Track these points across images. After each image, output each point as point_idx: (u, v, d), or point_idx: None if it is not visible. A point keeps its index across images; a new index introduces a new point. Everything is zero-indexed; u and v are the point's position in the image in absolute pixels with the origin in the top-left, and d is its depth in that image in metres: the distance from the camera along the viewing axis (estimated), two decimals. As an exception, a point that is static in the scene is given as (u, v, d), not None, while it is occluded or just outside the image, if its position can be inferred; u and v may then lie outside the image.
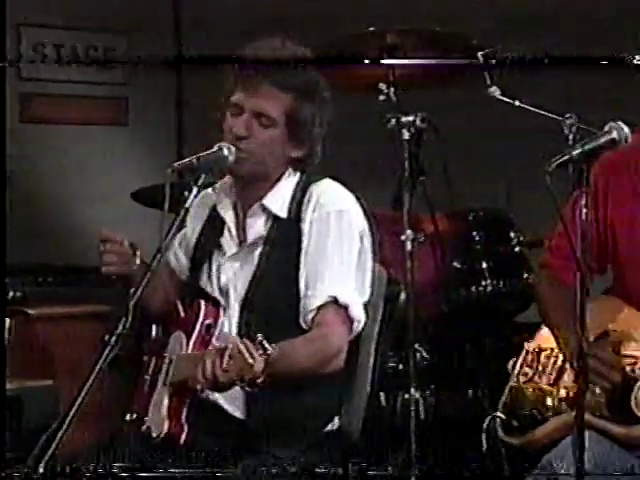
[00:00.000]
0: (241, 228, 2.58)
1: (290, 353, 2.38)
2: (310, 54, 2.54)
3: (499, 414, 2.46)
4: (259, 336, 2.24)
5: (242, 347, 2.21)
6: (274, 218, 2.54)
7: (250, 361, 2.19)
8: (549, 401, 2.46)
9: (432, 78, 3.52)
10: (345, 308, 2.48)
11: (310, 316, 2.48)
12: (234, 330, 2.52)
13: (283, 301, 2.50)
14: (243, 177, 2.55)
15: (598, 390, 2.36)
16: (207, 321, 2.51)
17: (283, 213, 2.53)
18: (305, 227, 2.50)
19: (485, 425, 2.48)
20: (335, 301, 2.47)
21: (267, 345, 2.22)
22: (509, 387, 2.54)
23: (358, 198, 2.58)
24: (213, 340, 2.51)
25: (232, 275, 2.56)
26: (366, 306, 2.55)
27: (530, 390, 2.50)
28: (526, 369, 2.53)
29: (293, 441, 2.44)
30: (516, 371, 2.55)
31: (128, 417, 2.49)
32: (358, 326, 2.51)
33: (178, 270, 2.69)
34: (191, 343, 2.50)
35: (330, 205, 2.51)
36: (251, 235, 2.55)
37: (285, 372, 2.35)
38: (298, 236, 2.50)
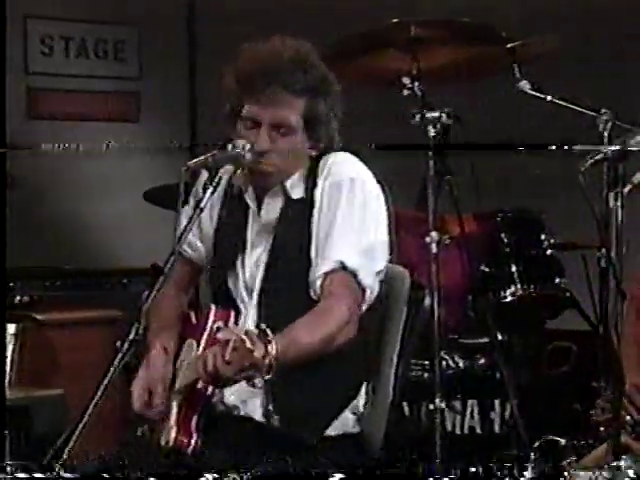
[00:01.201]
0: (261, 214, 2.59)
1: (294, 337, 2.37)
2: (314, 49, 2.53)
3: (558, 439, 2.44)
4: (262, 325, 2.25)
5: (244, 336, 2.21)
6: (288, 199, 2.56)
7: (249, 346, 2.18)
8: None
9: (459, 71, 3.52)
10: (354, 275, 2.47)
11: (318, 284, 2.47)
12: (251, 320, 2.53)
13: (299, 282, 2.50)
14: (261, 176, 2.56)
15: None
16: (217, 324, 2.51)
17: (299, 192, 2.55)
18: (317, 196, 2.52)
19: (537, 444, 2.46)
20: (343, 266, 2.46)
21: (269, 331, 2.22)
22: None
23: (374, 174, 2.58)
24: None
25: (254, 265, 2.57)
26: (382, 282, 2.53)
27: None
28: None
29: (311, 444, 2.45)
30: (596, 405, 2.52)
31: (140, 431, 2.50)
32: (370, 295, 2.51)
33: (197, 258, 2.69)
34: (200, 347, 2.50)
35: (342, 173, 2.52)
36: (264, 216, 2.57)
37: (294, 357, 2.34)
38: (310, 209, 2.53)
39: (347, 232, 2.49)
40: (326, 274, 2.46)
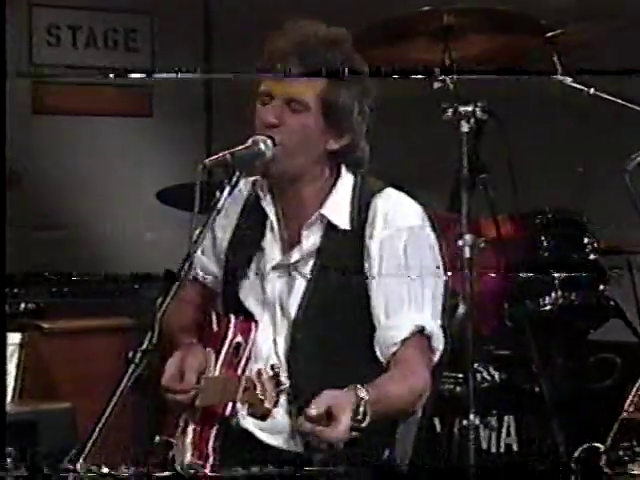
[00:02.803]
0: (288, 235, 2.58)
1: (387, 394, 2.38)
2: (347, 35, 2.53)
3: (598, 445, 2.45)
4: (276, 367, 2.29)
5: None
6: (331, 228, 2.54)
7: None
8: None
9: (495, 63, 3.52)
10: (429, 338, 2.48)
11: (392, 350, 2.47)
12: (281, 352, 2.53)
13: (341, 320, 2.51)
14: (279, 177, 2.54)
15: None
16: (237, 339, 2.53)
17: (344, 224, 2.53)
18: (374, 246, 2.50)
19: (577, 454, 2.47)
20: (421, 331, 2.47)
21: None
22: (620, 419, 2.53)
23: (424, 207, 2.58)
24: (243, 361, 2.52)
25: (280, 288, 2.56)
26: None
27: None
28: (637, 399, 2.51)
29: (336, 469, 2.46)
30: (628, 402, 2.54)
31: (157, 439, 2.51)
32: (439, 355, 2.52)
33: (211, 284, 2.70)
34: (219, 364, 2.51)
35: (400, 221, 2.51)
36: (306, 245, 2.55)
37: (382, 414, 2.35)
38: (361, 252, 2.51)
39: (418, 290, 2.48)
40: (403, 341, 2.46)
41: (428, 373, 2.48)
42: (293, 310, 2.53)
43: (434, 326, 2.49)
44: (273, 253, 2.58)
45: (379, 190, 2.55)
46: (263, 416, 2.32)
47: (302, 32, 2.51)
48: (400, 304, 2.48)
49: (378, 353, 2.48)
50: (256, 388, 2.27)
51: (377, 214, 2.52)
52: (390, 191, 2.57)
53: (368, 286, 2.49)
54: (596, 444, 2.46)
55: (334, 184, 2.56)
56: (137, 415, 2.63)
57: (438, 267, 2.54)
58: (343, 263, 2.52)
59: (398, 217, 2.51)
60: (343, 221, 2.53)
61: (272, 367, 2.38)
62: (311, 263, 2.53)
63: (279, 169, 2.51)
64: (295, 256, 2.55)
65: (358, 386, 2.28)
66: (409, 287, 2.48)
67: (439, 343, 2.49)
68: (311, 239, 2.54)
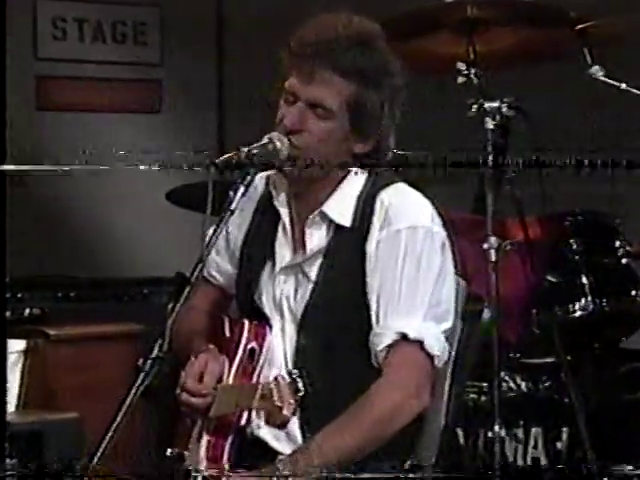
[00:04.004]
0: (297, 234, 2.59)
1: (335, 445, 2.39)
2: (380, 31, 2.51)
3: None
4: (294, 373, 2.29)
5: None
6: (336, 227, 2.54)
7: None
8: None
9: (522, 57, 3.52)
10: (420, 342, 2.47)
11: (380, 356, 2.48)
12: (289, 355, 2.54)
13: (346, 324, 2.51)
14: (299, 178, 2.53)
15: None
16: (250, 345, 2.53)
17: (346, 222, 2.52)
18: (371, 246, 2.49)
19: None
20: (405, 337, 2.46)
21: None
22: None
23: (433, 202, 2.55)
24: (258, 368, 2.53)
25: (287, 289, 2.57)
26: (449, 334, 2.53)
27: None
28: None
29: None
30: None
31: (170, 452, 2.52)
32: (440, 360, 2.50)
33: (226, 285, 2.71)
34: (232, 371, 2.52)
35: (401, 221, 2.48)
36: (310, 245, 2.55)
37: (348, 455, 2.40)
38: (362, 252, 2.50)
39: (407, 296, 2.47)
40: (389, 347, 2.47)
41: (420, 379, 2.46)
42: (299, 313, 2.54)
43: (425, 331, 2.46)
44: (283, 253, 2.58)
45: (386, 184, 2.53)
46: (281, 424, 2.32)
47: (332, 29, 2.47)
48: (389, 309, 2.46)
49: (373, 360, 2.49)
50: (273, 395, 2.27)
51: (379, 211, 2.50)
52: (397, 186, 2.53)
53: (367, 289, 2.49)
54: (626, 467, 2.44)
55: (342, 180, 2.54)
56: (147, 426, 2.64)
57: (447, 269, 2.51)
58: (347, 264, 2.51)
59: (399, 215, 2.49)
60: (345, 219, 2.52)
61: (289, 373, 2.39)
62: (317, 264, 2.54)
63: (297, 171, 2.51)
64: (301, 257, 2.56)
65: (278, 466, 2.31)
66: (401, 290, 2.46)
67: (434, 349, 2.47)
68: (315, 239, 2.54)
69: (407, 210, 2.50)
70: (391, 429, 2.45)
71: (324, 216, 2.54)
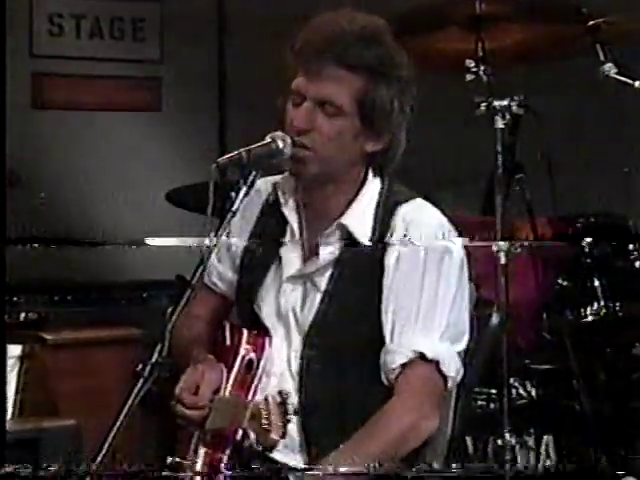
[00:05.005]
0: (308, 243, 2.59)
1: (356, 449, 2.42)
2: (387, 26, 2.52)
3: None
4: (285, 393, 2.32)
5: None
6: (351, 238, 2.54)
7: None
8: None
9: (532, 53, 3.53)
10: (436, 362, 2.49)
11: (393, 374, 2.49)
12: (294, 366, 2.55)
13: (354, 336, 2.52)
14: (309, 180, 2.54)
15: None
16: (248, 356, 2.54)
17: (364, 236, 2.53)
18: (390, 261, 2.50)
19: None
20: (421, 357, 2.48)
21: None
22: None
23: (451, 220, 2.57)
24: (255, 380, 2.54)
25: (294, 300, 2.57)
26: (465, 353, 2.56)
27: None
28: None
29: None
30: None
31: (169, 460, 2.53)
32: (454, 381, 2.52)
33: (227, 292, 2.72)
34: (229, 382, 2.53)
35: (423, 237, 2.50)
36: (322, 256, 2.56)
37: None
38: (380, 267, 2.51)
39: (427, 315, 2.48)
40: (403, 365, 2.48)
41: (432, 401, 2.49)
42: (306, 325, 2.54)
43: (441, 351, 2.48)
44: (291, 262, 2.58)
45: (405, 200, 2.55)
46: (269, 447, 2.34)
47: (337, 25, 2.49)
48: (405, 327, 2.48)
49: (383, 377, 2.50)
50: (262, 417, 2.29)
51: (399, 227, 2.52)
52: (418, 202, 2.56)
53: (382, 304, 2.50)
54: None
55: (359, 190, 2.55)
56: (146, 433, 2.65)
57: (464, 289, 2.54)
58: (360, 277, 2.52)
59: (422, 233, 2.51)
60: (364, 232, 2.53)
61: (280, 393, 2.39)
62: (328, 275, 2.54)
63: (310, 173, 2.51)
64: (312, 266, 2.56)
65: None
66: (419, 309, 2.48)
67: (450, 369, 2.49)
68: (329, 249, 2.55)
69: (429, 228, 2.53)
70: (404, 450, 2.48)
71: (342, 227, 2.55)
